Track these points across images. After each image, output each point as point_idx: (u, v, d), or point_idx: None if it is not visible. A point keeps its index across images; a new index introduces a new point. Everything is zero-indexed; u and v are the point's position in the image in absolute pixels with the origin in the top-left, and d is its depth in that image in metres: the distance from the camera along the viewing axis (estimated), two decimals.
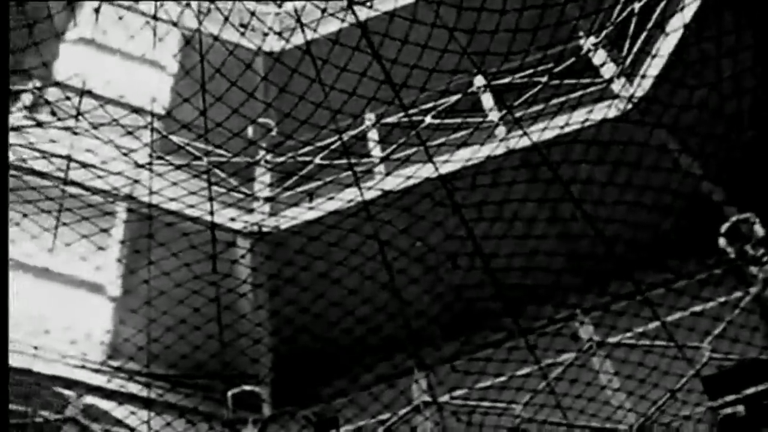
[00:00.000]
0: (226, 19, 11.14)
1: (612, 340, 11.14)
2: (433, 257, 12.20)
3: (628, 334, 11.18)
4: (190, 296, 11.63)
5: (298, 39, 14.13)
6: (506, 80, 12.86)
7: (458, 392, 11.56)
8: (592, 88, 12.60)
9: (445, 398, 11.46)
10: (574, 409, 11.20)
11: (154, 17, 11.91)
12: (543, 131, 11.65)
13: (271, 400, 12.34)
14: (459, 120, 12.44)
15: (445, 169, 11.68)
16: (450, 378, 11.71)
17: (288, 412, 11.93)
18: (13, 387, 10.97)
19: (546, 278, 12.46)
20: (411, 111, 12.16)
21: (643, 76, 11.91)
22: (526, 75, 12.60)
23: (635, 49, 12.26)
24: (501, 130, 12.51)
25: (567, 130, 11.81)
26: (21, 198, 11.73)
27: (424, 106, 12.82)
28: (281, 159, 13.06)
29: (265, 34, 15.01)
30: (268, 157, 13.32)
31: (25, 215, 11.81)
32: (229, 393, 11.48)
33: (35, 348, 11.59)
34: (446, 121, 12.59)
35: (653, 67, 11.82)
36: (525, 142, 11.83)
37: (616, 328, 11.31)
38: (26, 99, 13.28)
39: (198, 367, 12.24)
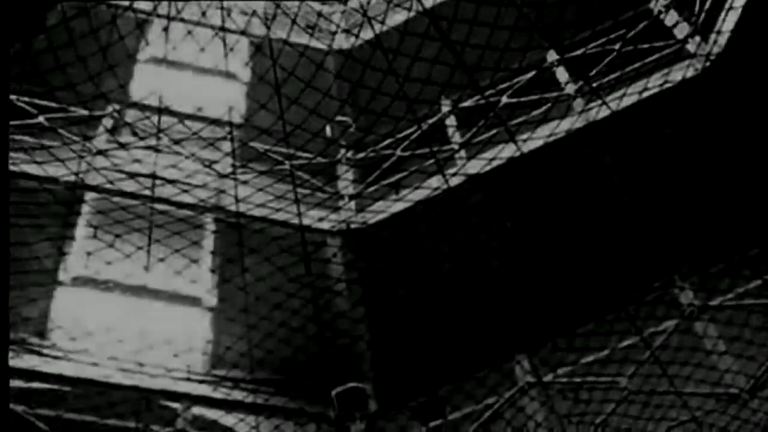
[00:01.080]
0: (294, 22, 11.20)
1: (713, 302, 10.95)
2: (527, 236, 12.10)
3: (730, 296, 10.98)
4: (287, 299, 11.71)
5: (366, 34, 14.14)
6: (579, 51, 12.71)
7: (562, 370, 11.47)
8: (666, 51, 12.40)
9: (549, 378, 11.39)
10: (681, 377, 11.04)
11: (222, 28, 12.03)
12: (622, 98, 11.48)
13: (376, 394, 12.37)
14: (536, 97, 12.33)
15: (527, 147, 11.59)
16: (553, 357, 11.63)
17: (394, 404, 11.96)
18: (122, 404, 11.17)
19: (641, 245, 12.30)
20: (487, 93, 12.09)
21: (718, 32, 11.67)
22: (599, 44, 12.45)
23: (707, 6, 12.03)
24: (579, 103, 12.38)
25: (646, 95, 11.63)
26: (112, 219, 11.94)
27: (499, 87, 12.74)
28: (362, 155, 13.08)
29: (333, 33, 15.05)
30: (349, 154, 13.36)
31: (117, 236, 12.01)
32: (334, 392, 11.53)
33: (140, 365, 11.77)
34: (523, 99, 12.49)
35: (728, 22, 11.59)
36: (605, 112, 11.68)
37: (717, 291, 11.12)
38: (107, 122, 13.51)
39: (301, 369, 12.32)
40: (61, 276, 12.92)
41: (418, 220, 12.03)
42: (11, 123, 12.86)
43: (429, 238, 12.01)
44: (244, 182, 11.68)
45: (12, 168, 12.24)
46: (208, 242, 12.88)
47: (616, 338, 11.33)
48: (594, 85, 11.75)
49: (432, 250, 12.02)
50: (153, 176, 12.16)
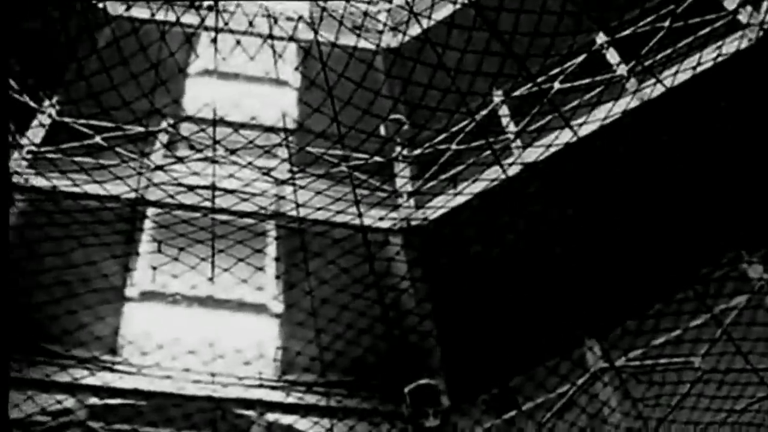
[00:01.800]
0: (341, 23, 11.23)
1: None
2: (588, 220, 12.01)
3: None
4: (353, 300, 11.75)
5: (413, 30, 14.13)
6: (629, 31, 12.60)
7: (634, 353, 11.39)
8: (718, 23, 12.24)
9: (621, 362, 11.31)
10: (755, 353, 10.90)
11: (270, 36, 12.09)
12: (675, 75, 11.36)
13: (448, 389, 12.37)
14: (588, 80, 12.25)
15: (583, 132, 11.51)
16: (623, 340, 11.54)
17: (466, 398, 11.95)
18: (197, 415, 11.28)
19: (707, 222, 12.16)
20: (538, 80, 12.03)
21: None
22: (648, 22, 12.33)
23: None
24: (632, 84, 12.27)
25: (700, 69, 11.49)
26: (175, 233, 12.06)
27: (550, 73, 12.67)
28: (418, 151, 13.09)
29: (380, 32, 15.07)
30: (405, 151, 13.37)
31: (181, 249, 12.13)
32: (406, 389, 11.55)
33: (212, 375, 11.88)
34: (575, 83, 12.42)
35: None
36: (660, 90, 11.56)
37: None
38: (163, 138, 13.66)
39: (371, 369, 12.35)
40: (129, 292, 13.09)
41: (478, 212, 12.01)
42: (70, 145, 13.04)
43: (490, 229, 11.99)
44: (303, 187, 11.74)
45: (74, 189, 12.41)
46: (271, 249, 12.97)
47: (686, 318, 11.23)
48: (646, 63, 11.64)
49: (494, 241, 11.99)
50: (212, 187, 12.27)
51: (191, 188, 12.21)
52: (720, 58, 11.48)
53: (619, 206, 11.67)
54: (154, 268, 12.31)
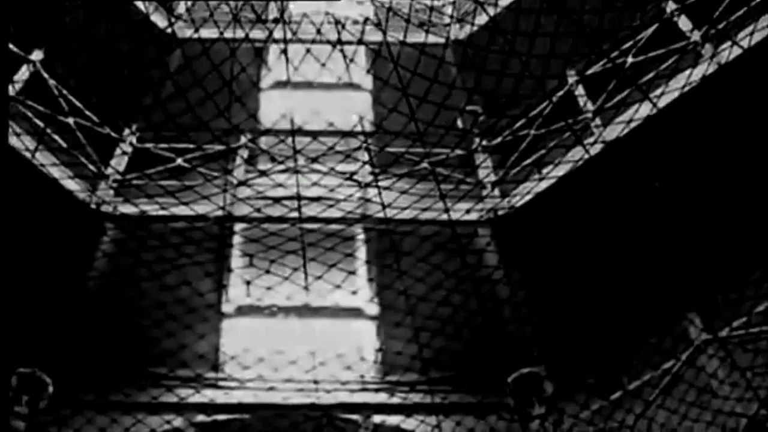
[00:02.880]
0: (408, 21, 11.24)
1: None
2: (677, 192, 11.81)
3: None
4: (448, 295, 11.74)
5: (481, 19, 14.10)
6: None
7: (738, 322, 11.18)
8: None
9: (725, 332, 11.12)
10: None
11: (339, 41, 12.15)
12: (752, 35, 11.11)
13: (551, 376, 12.28)
14: (662, 51, 12.06)
15: (662, 102, 11.33)
16: (725, 311, 11.34)
17: (570, 383, 11.85)
18: (304, 423, 11.37)
19: None
20: (612, 55, 11.90)
21: None
22: None
23: None
24: (707, 49, 12.04)
25: None
26: (265, 246, 12.17)
27: (623, 47, 12.50)
28: (498, 140, 13.04)
29: (447, 25, 15.06)
30: (484, 141, 13.33)
31: (272, 261, 12.24)
32: (509, 379, 11.49)
33: (315, 382, 11.95)
34: (649, 55, 12.24)
35: None
36: (737, 52, 11.31)
37: None
38: (244, 153, 13.81)
39: (472, 362, 12.32)
40: (225, 308, 13.23)
41: (565, 194, 11.90)
42: (154, 170, 13.25)
43: (578, 210, 11.87)
44: (387, 188, 11.77)
45: (161, 212, 12.60)
46: (361, 252, 13.02)
47: None
48: (720, 27, 11.42)
49: (583, 221, 11.87)
50: (298, 197, 12.35)
51: (277, 200, 12.32)
52: None
53: (709, 174, 11.47)
54: (248, 283, 12.43)
